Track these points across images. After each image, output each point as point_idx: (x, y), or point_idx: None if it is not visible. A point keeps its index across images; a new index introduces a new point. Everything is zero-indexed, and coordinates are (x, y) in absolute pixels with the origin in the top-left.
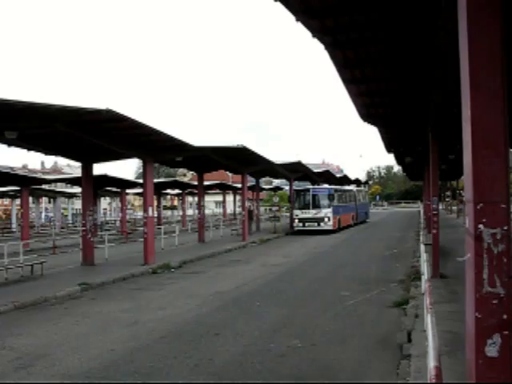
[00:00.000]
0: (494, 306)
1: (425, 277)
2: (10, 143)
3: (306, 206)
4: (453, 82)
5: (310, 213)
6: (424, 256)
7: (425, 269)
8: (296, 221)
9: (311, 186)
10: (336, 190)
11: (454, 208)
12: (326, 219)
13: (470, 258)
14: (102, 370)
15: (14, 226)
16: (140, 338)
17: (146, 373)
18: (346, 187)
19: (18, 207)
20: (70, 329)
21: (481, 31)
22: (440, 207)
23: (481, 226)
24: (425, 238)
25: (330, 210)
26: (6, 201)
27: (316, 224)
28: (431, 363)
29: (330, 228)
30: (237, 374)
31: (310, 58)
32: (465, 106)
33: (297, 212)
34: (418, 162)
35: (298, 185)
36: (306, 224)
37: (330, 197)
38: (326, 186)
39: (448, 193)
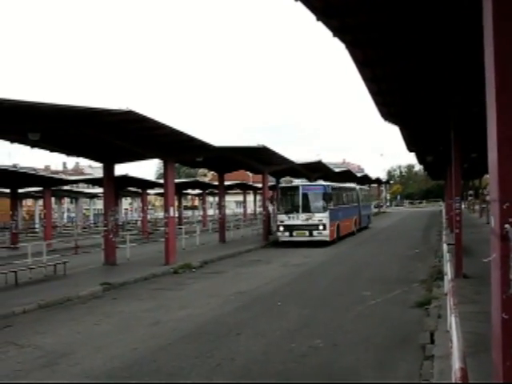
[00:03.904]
0: None
1: (448, 277)
2: (33, 144)
3: (294, 209)
4: (477, 80)
5: (300, 218)
6: (447, 256)
7: (448, 269)
8: (281, 229)
9: (301, 183)
10: (334, 188)
11: (477, 207)
12: (321, 227)
13: (495, 258)
14: (125, 368)
15: (37, 226)
16: (162, 337)
17: (168, 372)
18: (348, 185)
19: (41, 208)
20: (92, 328)
21: (507, 28)
22: (462, 206)
23: (507, 225)
24: (447, 238)
25: (325, 214)
26: (30, 202)
27: (307, 233)
28: (456, 364)
29: (326, 239)
30: (258, 373)
31: (331, 56)
32: (490, 105)
33: (282, 217)
34: (439, 161)
35: None
36: (294, 233)
37: (326, 196)
38: (322, 182)
39: (470, 192)
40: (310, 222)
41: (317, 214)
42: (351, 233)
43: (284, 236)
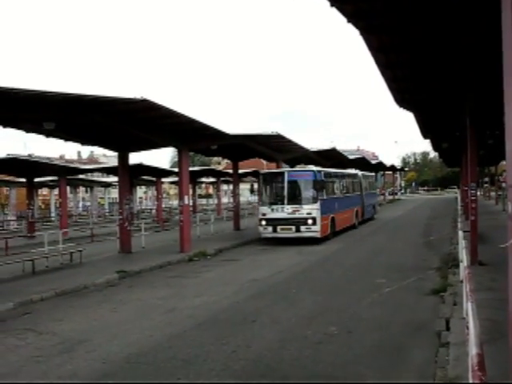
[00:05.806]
0: None
1: (463, 264)
2: (48, 134)
3: (278, 200)
4: (493, 64)
5: (285, 211)
6: (462, 243)
7: (463, 256)
8: (263, 223)
9: (288, 169)
10: (328, 175)
11: (493, 194)
12: (310, 221)
13: None
14: (141, 355)
15: (52, 215)
16: (177, 324)
17: (184, 359)
18: (348, 171)
19: (57, 197)
20: (108, 315)
21: None
22: (478, 193)
23: None
24: (463, 225)
25: (315, 205)
26: (45, 191)
27: (294, 229)
28: (473, 350)
29: (316, 235)
30: (274, 360)
31: (345, 44)
32: (508, 91)
33: (264, 209)
34: (454, 148)
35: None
36: (278, 229)
37: (317, 185)
38: (312, 167)
39: (486, 179)
40: (297, 215)
41: (305, 206)
42: (351, 226)
43: (266, 232)
